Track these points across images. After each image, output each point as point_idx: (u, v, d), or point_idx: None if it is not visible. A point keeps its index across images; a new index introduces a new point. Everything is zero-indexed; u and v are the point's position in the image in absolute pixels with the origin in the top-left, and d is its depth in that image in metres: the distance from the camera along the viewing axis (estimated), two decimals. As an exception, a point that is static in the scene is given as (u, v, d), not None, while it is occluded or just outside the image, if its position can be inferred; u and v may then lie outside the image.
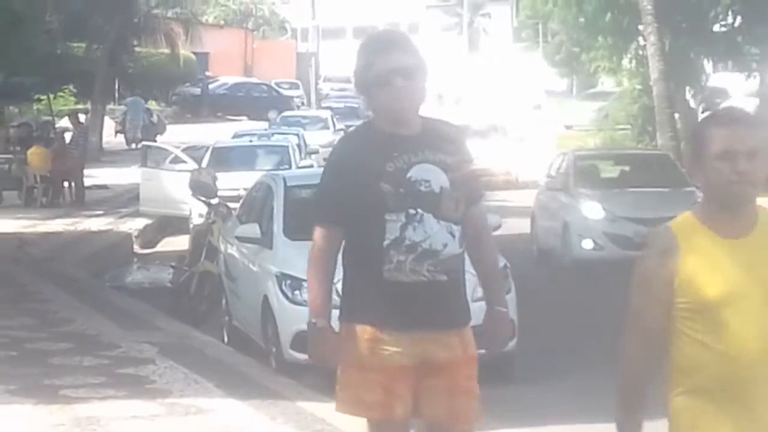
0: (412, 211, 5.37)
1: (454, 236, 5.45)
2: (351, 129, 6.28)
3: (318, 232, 5.60)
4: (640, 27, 32.66)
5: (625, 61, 39.73)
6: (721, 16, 36.65)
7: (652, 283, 4.20)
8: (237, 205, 18.85)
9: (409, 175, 5.36)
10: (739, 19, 36.41)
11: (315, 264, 5.60)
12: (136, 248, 26.54)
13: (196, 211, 22.07)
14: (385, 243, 5.31)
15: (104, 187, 37.85)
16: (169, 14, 56.62)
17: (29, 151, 35.56)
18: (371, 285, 5.38)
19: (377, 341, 5.35)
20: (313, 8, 74.74)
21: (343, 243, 5.67)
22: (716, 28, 37.12)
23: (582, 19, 37.02)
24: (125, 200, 34.84)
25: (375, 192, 5.31)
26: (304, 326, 14.04)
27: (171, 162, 31.77)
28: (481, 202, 5.80)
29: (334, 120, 50.13)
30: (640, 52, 32.40)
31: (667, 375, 4.19)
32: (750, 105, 42.65)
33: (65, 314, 17.99)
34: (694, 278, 4.12)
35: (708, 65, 38.41)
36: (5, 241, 27.37)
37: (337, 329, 5.66)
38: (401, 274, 5.27)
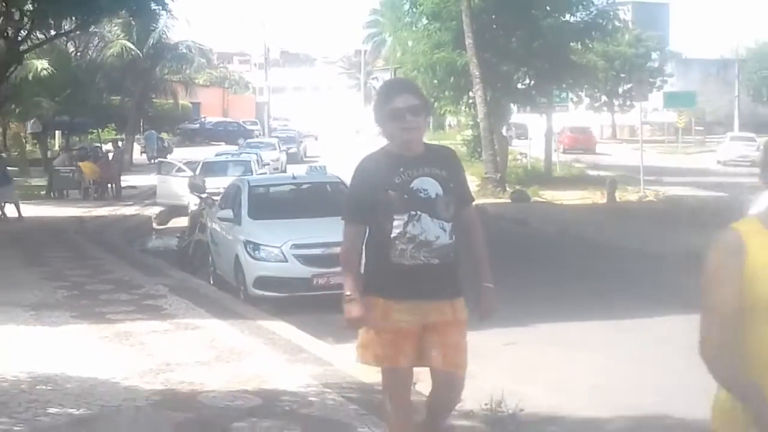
0: (413, 212, 5.60)
1: (445, 231, 5.66)
2: (371, 152, 6.32)
3: (347, 228, 5.87)
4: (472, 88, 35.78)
5: (462, 106, 42.98)
6: (522, 79, 39.80)
7: (725, 279, 3.54)
8: (218, 198, 19.67)
9: (412, 185, 5.63)
10: (532, 81, 39.51)
11: (347, 252, 5.87)
12: (155, 225, 27.14)
13: (192, 201, 22.71)
14: (392, 236, 5.60)
15: (133, 187, 40.51)
16: (174, 78, 60.92)
17: (84, 164, 37.23)
18: (382, 267, 5.69)
19: (387, 309, 5.65)
20: (266, 74, 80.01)
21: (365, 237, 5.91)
22: (519, 86, 40.07)
23: (435, 81, 39.02)
24: (147, 195, 36.03)
25: (386, 198, 5.62)
26: (262, 273, 15.81)
27: (176, 171, 33.16)
28: (470, 205, 6.09)
29: (279, 144, 55.71)
30: (471, 101, 34.95)
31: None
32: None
33: (109, 267, 19.06)
34: (757, 277, 3.51)
35: (514, 109, 43.33)
36: (71, 220, 28.78)
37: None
38: (404, 259, 5.59)
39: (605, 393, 9.47)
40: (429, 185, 5.66)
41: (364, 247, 5.91)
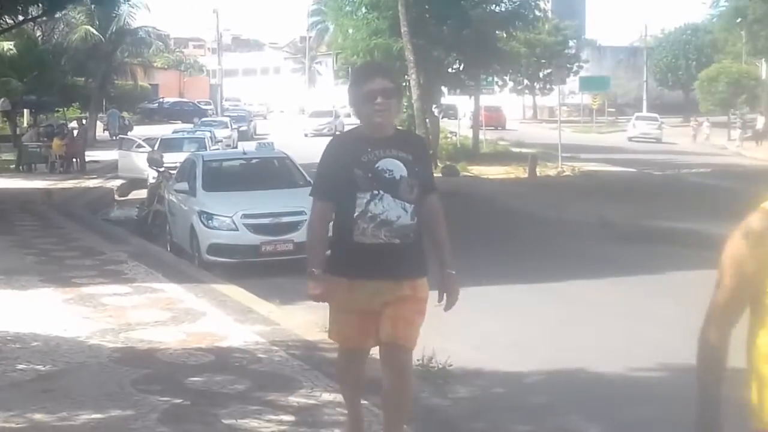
0: (375, 192, 5.26)
1: (406, 211, 5.30)
2: (343, 131, 6.32)
3: (315, 205, 5.58)
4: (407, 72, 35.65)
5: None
6: (452, 64, 40.26)
7: (745, 261, 3.14)
8: (175, 172, 19.45)
9: (377, 165, 5.30)
10: (462, 66, 39.86)
11: (313, 228, 5.60)
12: (116, 197, 26.89)
13: (151, 175, 22.43)
14: (355, 215, 5.27)
15: (96, 162, 39.92)
16: (134, 61, 61.50)
17: (52, 141, 36.83)
18: (345, 246, 5.38)
19: (351, 290, 5.34)
20: (219, 57, 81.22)
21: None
22: (449, 70, 40.33)
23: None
24: (109, 169, 35.70)
25: (350, 176, 5.29)
26: (215, 240, 15.79)
27: (136, 147, 32.94)
28: (434, 192, 5.67)
29: (231, 123, 55.67)
30: (405, 84, 34.68)
31: (751, 361, 3.17)
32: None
33: (74, 235, 18.88)
34: None
35: (444, 91, 44.73)
36: (38, 192, 28.29)
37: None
38: (365, 238, 5.25)
39: (525, 349, 9.55)
40: (394, 166, 5.34)
41: (331, 226, 5.63)
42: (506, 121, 68.92)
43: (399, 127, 5.83)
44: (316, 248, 5.54)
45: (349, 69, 56.64)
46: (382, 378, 5.49)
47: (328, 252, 5.58)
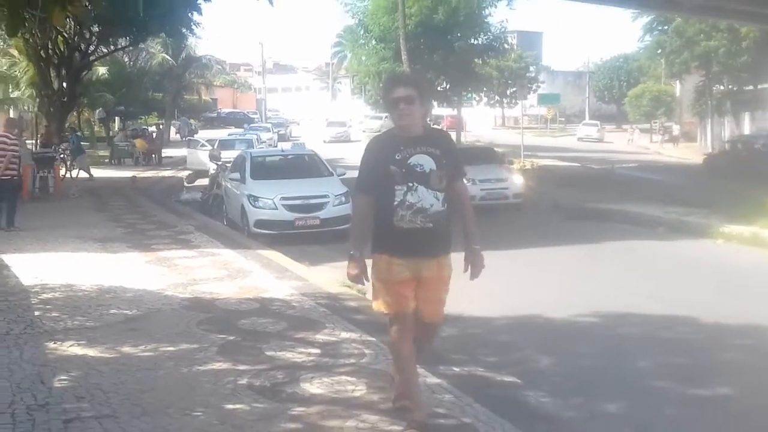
0: (410, 184, 4.93)
1: (438, 199, 4.98)
2: (378, 134, 5.92)
3: (357, 198, 5.25)
4: None
5: None
6: (441, 84, 40.74)
7: None
8: (230, 165, 19.15)
9: (409, 161, 4.96)
10: (448, 85, 40.56)
11: (356, 218, 5.32)
12: (185, 184, 26.54)
13: (212, 167, 22.28)
14: (395, 203, 4.94)
15: (170, 157, 40.08)
16: (199, 81, 64.44)
17: (136, 140, 37.21)
18: (386, 230, 5.01)
19: (391, 264, 5.00)
20: (263, 78, 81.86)
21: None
22: (439, 88, 40.63)
23: (380, 85, 39.09)
24: (180, 163, 35.65)
25: (387, 172, 4.96)
26: (260, 217, 15.70)
27: (200, 146, 32.87)
28: (461, 179, 5.26)
29: (272, 128, 55.96)
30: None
31: None
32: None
33: (153, 212, 18.83)
34: None
35: (435, 105, 44.30)
36: (126, 180, 28.28)
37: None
38: (403, 223, 4.94)
39: (495, 300, 9.44)
40: (424, 161, 4.97)
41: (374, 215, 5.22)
42: (465, 125, 69.22)
43: (427, 126, 5.31)
44: (357, 235, 5.21)
45: (363, 87, 57.08)
46: (415, 341, 5.17)
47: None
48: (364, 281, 5.16)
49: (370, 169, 5.12)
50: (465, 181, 5.40)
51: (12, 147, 14.69)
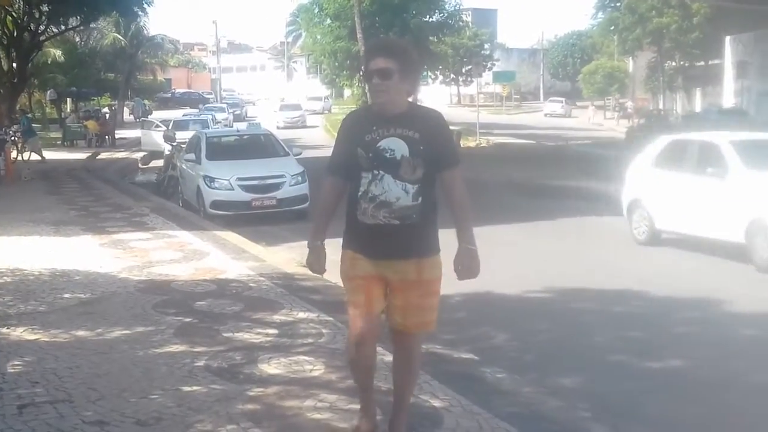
0: (376, 172, 4.08)
1: (407, 193, 4.09)
2: (356, 108, 5.36)
3: (325, 180, 4.41)
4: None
5: (355, 82, 42.97)
6: None
7: None
8: (185, 145, 18.90)
9: (379, 144, 4.08)
10: None
11: (319, 202, 4.49)
12: (140, 165, 26.17)
13: (166, 148, 22.06)
14: (359, 194, 4.13)
15: (124, 138, 39.25)
16: (152, 61, 61.98)
17: (88, 122, 36.64)
18: (351, 223, 4.21)
19: (356, 260, 4.19)
20: (218, 58, 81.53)
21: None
22: None
23: (336, 64, 38.86)
24: (134, 144, 35.28)
25: (355, 155, 4.14)
26: (216, 198, 15.70)
27: (155, 127, 32.52)
28: (453, 168, 4.25)
29: (228, 108, 54.44)
30: (361, 77, 34.28)
31: None
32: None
33: (107, 195, 18.63)
34: None
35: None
36: (79, 162, 28.21)
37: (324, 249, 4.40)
38: (366, 218, 4.10)
39: (449, 278, 9.50)
40: (396, 146, 4.07)
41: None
42: (421, 104, 69.40)
43: (416, 104, 4.40)
44: (317, 221, 4.45)
45: (318, 66, 56.87)
46: (393, 354, 4.50)
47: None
48: (323, 270, 4.43)
49: (339, 150, 4.32)
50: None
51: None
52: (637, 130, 36.63)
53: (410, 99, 4.26)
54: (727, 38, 40.87)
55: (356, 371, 4.38)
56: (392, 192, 4.08)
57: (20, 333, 6.93)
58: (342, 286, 4.55)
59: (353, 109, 4.55)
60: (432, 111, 4.34)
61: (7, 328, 7.07)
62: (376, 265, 4.16)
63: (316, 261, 4.36)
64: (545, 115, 66.96)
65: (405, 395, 4.42)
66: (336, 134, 4.54)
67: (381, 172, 4.08)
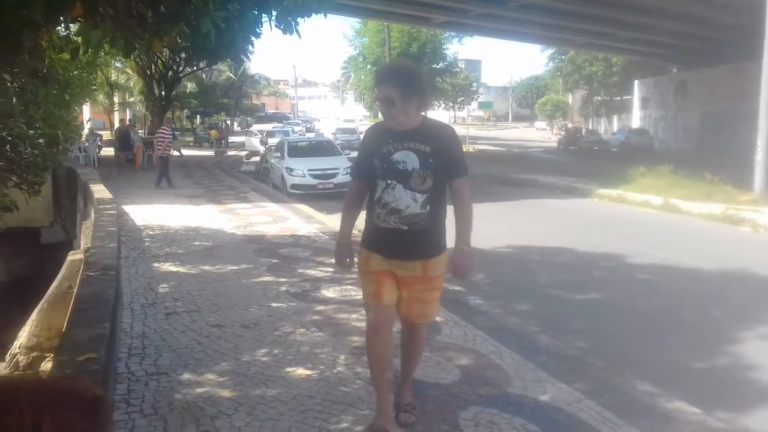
0: (389, 181, 3.21)
1: (416, 201, 3.20)
2: (376, 123, 3.80)
3: (350, 183, 3.50)
4: None
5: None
6: None
7: None
8: (274, 147, 18.82)
9: (393, 157, 3.21)
10: None
11: (345, 203, 3.46)
12: (244, 160, 26.13)
13: (261, 149, 22.15)
14: (375, 199, 3.27)
15: (233, 142, 39.36)
16: (252, 91, 66.20)
17: (211, 131, 38.05)
18: (369, 225, 3.32)
19: (370, 257, 3.29)
20: (296, 90, 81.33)
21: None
22: None
23: (374, 95, 37.92)
24: (240, 146, 34.91)
25: (372, 164, 3.26)
26: (294, 182, 15.35)
27: (254, 135, 32.71)
28: (459, 177, 3.32)
29: (302, 123, 53.72)
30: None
31: None
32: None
33: (223, 179, 18.26)
34: None
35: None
36: (205, 157, 27.53)
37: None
38: (379, 221, 3.25)
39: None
40: (408, 158, 3.20)
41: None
42: None
43: (428, 118, 3.40)
44: (343, 221, 3.45)
45: (362, 97, 56.39)
46: (401, 335, 3.55)
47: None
48: (348, 266, 3.45)
49: (361, 156, 3.40)
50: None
51: (168, 136, 16.01)
52: (561, 141, 39.93)
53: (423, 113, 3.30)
54: (636, 81, 40.29)
55: (371, 359, 3.32)
56: (402, 200, 3.16)
57: (167, 266, 6.99)
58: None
59: (375, 123, 3.59)
60: (443, 126, 3.36)
61: (158, 263, 7.14)
62: (387, 263, 3.25)
63: (341, 258, 3.39)
64: (536, 129, 65.14)
65: (410, 369, 3.55)
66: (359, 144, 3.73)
67: (393, 181, 3.17)
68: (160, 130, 16.68)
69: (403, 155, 3.17)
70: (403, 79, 3.19)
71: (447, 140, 3.27)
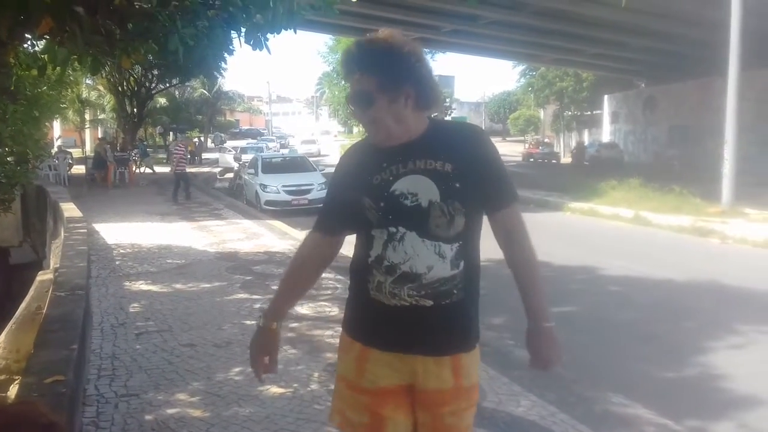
0: (392, 229, 1.67)
1: (443, 257, 1.68)
2: (358, 141, 1.82)
3: (307, 236, 1.93)
4: None
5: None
6: None
7: None
8: (248, 163, 18.78)
9: (393, 188, 1.68)
10: None
11: (289, 266, 1.96)
12: (218, 176, 25.97)
13: (235, 165, 22.05)
14: (369, 260, 1.72)
15: (207, 158, 39.38)
16: (226, 107, 64.57)
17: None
18: (360, 299, 1.77)
19: (365, 360, 1.76)
20: (270, 106, 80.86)
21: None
22: None
23: (348, 111, 37.87)
24: (214, 162, 34.82)
25: (360, 206, 1.72)
26: (268, 198, 15.46)
27: (228, 151, 32.89)
28: (510, 206, 1.85)
29: (276, 139, 53.79)
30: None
31: None
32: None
33: (196, 196, 17.50)
34: None
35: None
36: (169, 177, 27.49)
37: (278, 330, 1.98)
38: (382, 296, 1.70)
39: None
40: (420, 187, 1.68)
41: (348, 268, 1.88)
42: None
43: (436, 121, 1.80)
44: (280, 291, 1.99)
45: (336, 112, 56.44)
46: None
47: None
48: (267, 367, 2.00)
49: (333, 197, 1.87)
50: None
51: (181, 152, 17.11)
52: (574, 157, 40.13)
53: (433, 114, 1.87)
54: (606, 96, 40.83)
55: None
56: (420, 258, 1.71)
57: (138, 285, 6.90)
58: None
59: (356, 142, 1.96)
60: (467, 128, 1.85)
61: (130, 282, 7.04)
62: (397, 362, 1.77)
63: (260, 349, 1.99)
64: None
65: None
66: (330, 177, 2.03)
67: (400, 228, 1.71)
68: (177, 147, 17.80)
69: (409, 183, 1.72)
70: (386, 60, 1.70)
71: (477, 147, 1.79)
